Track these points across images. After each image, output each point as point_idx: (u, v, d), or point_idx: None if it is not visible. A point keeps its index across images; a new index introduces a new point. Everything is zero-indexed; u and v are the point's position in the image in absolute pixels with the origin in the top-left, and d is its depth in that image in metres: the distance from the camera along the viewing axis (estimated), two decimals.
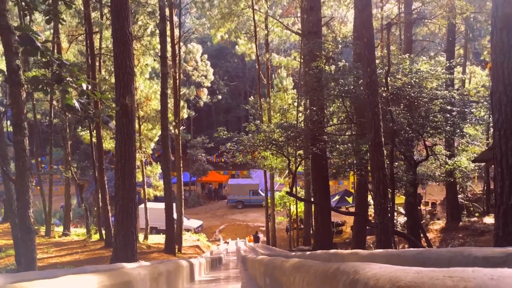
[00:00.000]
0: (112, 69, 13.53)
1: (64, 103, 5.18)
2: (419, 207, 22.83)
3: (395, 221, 17.78)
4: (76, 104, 5.15)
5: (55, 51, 19.37)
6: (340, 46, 15.13)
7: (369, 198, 16.95)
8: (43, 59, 5.37)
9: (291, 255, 8.92)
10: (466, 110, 12.78)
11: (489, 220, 17.41)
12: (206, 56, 38.19)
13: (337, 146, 15.38)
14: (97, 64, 21.11)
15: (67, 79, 5.22)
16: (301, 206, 27.72)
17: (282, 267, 3.69)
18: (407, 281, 1.06)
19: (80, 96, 5.41)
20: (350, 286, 1.54)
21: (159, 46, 20.37)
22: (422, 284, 0.95)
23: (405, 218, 19.17)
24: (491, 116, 8.41)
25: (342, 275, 1.69)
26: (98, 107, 13.98)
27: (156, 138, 25.15)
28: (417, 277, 1.02)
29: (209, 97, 45.18)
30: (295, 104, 21.63)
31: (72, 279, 2.12)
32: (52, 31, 20.65)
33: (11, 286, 1.64)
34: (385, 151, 10.11)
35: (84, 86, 5.35)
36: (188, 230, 31.97)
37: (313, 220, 20.46)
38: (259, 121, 21.26)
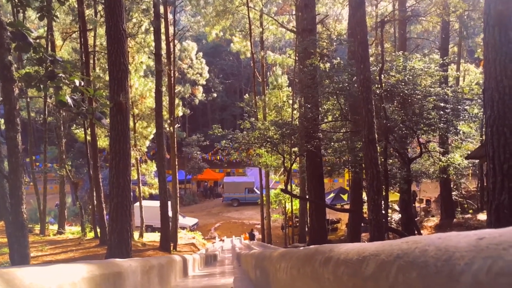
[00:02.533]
0: (107, 67, 13.50)
1: (57, 100, 5.17)
2: (413, 204, 22.95)
3: (389, 218, 17.89)
4: (69, 100, 5.14)
5: (49, 48, 19.27)
6: (334, 43, 15.19)
7: (364, 195, 17.02)
8: (36, 56, 5.36)
9: None
10: (459, 107, 12.86)
11: (483, 217, 17.51)
12: (201, 54, 38.10)
13: (332, 143, 15.42)
14: (91, 61, 21.03)
15: (60, 75, 5.21)
16: (296, 203, 27.78)
17: (271, 257, 3.79)
18: (371, 251, 1.18)
19: (73, 93, 5.41)
20: (325, 263, 1.66)
21: (153, 44, 20.33)
22: (383, 251, 1.05)
23: (400, 215, 19.28)
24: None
25: (319, 254, 1.81)
26: (92, 104, 13.95)
27: (151, 136, 25.11)
28: (379, 247, 1.14)
29: (204, 95, 45.07)
30: (290, 101, 21.67)
31: (62, 267, 2.14)
32: (46, 28, 20.56)
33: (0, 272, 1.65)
34: (379, 148, 10.17)
35: (77, 82, 5.34)
36: (183, 228, 31.96)
37: (308, 218, 20.52)
38: (254, 119, 21.28)
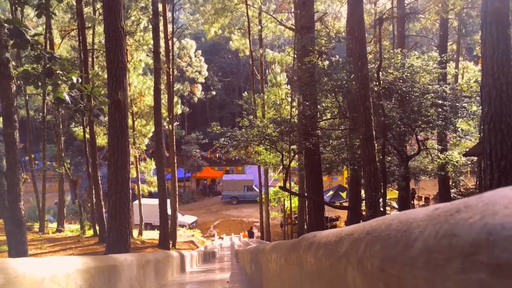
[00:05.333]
0: (105, 65, 13.53)
1: (55, 96, 5.20)
2: (412, 202, 22.99)
3: (387, 215, 17.87)
4: (67, 97, 5.16)
5: (48, 46, 19.30)
6: (333, 41, 15.17)
7: (362, 192, 17.04)
8: (34, 53, 5.38)
9: None
10: (458, 104, 12.87)
11: None
12: (200, 52, 38.15)
13: (330, 141, 15.44)
14: (90, 59, 21.04)
15: (58, 72, 5.23)
16: (295, 201, 27.79)
17: (264, 250, 3.87)
18: (347, 232, 1.26)
19: (70, 89, 5.43)
20: (308, 247, 1.75)
21: (152, 42, 20.33)
22: (356, 230, 1.13)
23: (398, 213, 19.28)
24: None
25: (304, 241, 1.89)
26: (90, 102, 13.97)
27: (150, 134, 25.14)
28: (354, 227, 1.21)
29: (203, 93, 45.15)
30: (289, 99, 21.68)
31: (56, 259, 2.16)
32: (44, 26, 20.58)
33: None
34: (377, 145, 10.20)
35: (75, 79, 5.36)
36: (182, 226, 32.01)
37: (307, 215, 20.54)
38: (252, 117, 21.30)
